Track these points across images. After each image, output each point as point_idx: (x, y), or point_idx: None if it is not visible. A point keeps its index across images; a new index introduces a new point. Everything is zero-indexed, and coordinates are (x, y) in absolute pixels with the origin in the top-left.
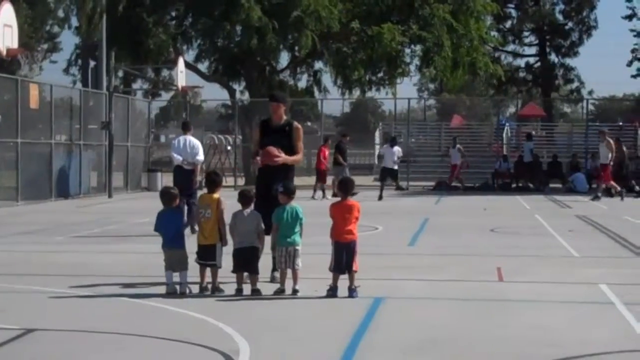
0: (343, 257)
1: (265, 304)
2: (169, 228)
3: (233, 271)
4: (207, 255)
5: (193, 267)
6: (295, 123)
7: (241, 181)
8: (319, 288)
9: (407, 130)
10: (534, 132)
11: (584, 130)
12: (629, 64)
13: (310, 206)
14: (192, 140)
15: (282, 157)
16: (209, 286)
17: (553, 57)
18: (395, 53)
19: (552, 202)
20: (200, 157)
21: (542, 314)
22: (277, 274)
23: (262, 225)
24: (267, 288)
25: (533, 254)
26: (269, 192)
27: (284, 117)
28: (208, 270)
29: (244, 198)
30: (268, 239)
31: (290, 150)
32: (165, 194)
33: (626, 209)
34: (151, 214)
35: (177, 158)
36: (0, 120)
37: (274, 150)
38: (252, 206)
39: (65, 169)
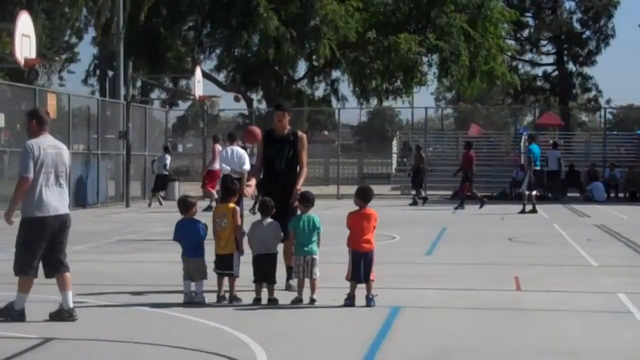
0: (361, 266)
1: (283, 313)
2: (189, 238)
3: (254, 281)
4: (225, 265)
5: (211, 277)
6: (300, 132)
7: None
8: (337, 297)
9: (425, 139)
10: (551, 141)
11: (602, 140)
12: None
13: (328, 215)
14: (238, 150)
15: (296, 191)
16: (227, 295)
17: (570, 66)
18: (412, 62)
19: (570, 211)
20: (247, 166)
21: (560, 323)
22: (293, 283)
23: (282, 235)
24: (283, 297)
25: (551, 263)
26: (278, 195)
27: (288, 127)
28: (225, 280)
29: (264, 208)
30: (280, 248)
31: (296, 160)
32: (183, 203)
33: None
34: (169, 223)
35: (226, 168)
36: (18, 130)
37: (256, 130)
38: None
39: (83, 178)
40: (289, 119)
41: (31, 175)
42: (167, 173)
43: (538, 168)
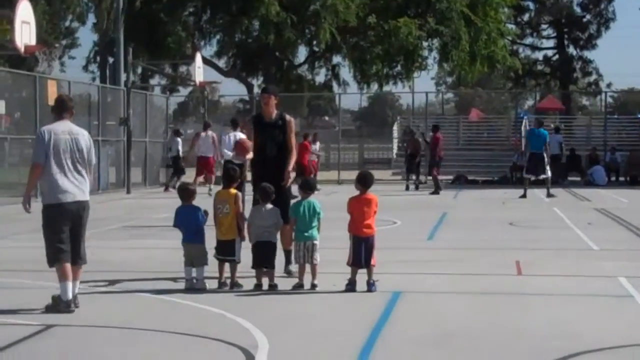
0: (362, 252)
1: (284, 299)
2: (189, 223)
3: (253, 267)
4: (226, 251)
5: (211, 263)
6: (288, 116)
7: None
8: (338, 282)
9: (425, 124)
10: (552, 125)
11: (603, 123)
12: None
13: (329, 200)
14: (240, 136)
15: (287, 173)
16: (228, 281)
17: (571, 50)
18: (413, 47)
19: (570, 195)
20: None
21: (561, 307)
22: (292, 268)
23: (282, 221)
24: (283, 283)
25: (552, 247)
26: (271, 179)
27: (275, 111)
28: (226, 266)
29: (263, 193)
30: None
31: (285, 144)
32: (184, 190)
33: None
34: (170, 209)
35: (227, 153)
36: (18, 117)
37: (247, 143)
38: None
39: None
40: (275, 103)
41: (41, 161)
42: (176, 155)
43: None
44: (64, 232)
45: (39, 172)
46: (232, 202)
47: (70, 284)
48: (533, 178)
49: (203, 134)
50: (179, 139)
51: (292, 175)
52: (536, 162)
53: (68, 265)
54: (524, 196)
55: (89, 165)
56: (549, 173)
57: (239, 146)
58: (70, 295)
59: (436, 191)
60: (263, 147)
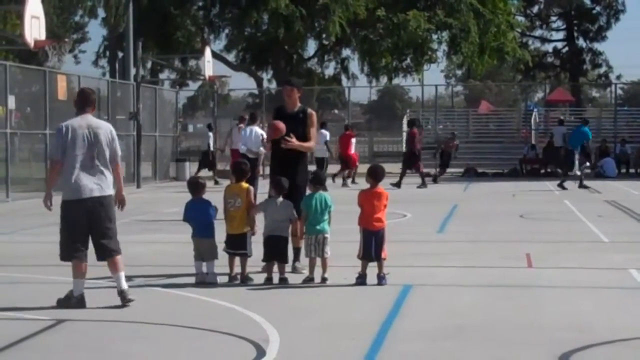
0: (372, 245)
1: (295, 293)
2: (199, 218)
3: (264, 260)
4: (237, 245)
5: (221, 257)
6: (310, 110)
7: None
8: (348, 276)
9: (435, 117)
10: (561, 117)
11: (613, 115)
12: None
13: (338, 194)
14: (257, 130)
15: (294, 142)
16: (238, 276)
17: (581, 42)
18: (422, 40)
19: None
20: (263, 147)
21: (572, 299)
22: (299, 265)
23: (295, 214)
24: (293, 277)
25: (562, 240)
26: (286, 172)
27: (298, 104)
28: (237, 260)
29: (278, 186)
30: None
31: (304, 138)
32: (194, 184)
33: None
34: (180, 203)
35: (242, 147)
36: (28, 112)
37: (281, 124)
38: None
39: None
40: (298, 96)
41: (58, 157)
42: (207, 150)
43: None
44: (80, 228)
45: (58, 168)
46: (244, 196)
47: (82, 281)
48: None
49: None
50: (210, 134)
51: (296, 144)
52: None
53: (81, 263)
54: (583, 187)
55: (113, 159)
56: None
57: (273, 126)
58: (80, 291)
59: (423, 184)
60: (280, 139)
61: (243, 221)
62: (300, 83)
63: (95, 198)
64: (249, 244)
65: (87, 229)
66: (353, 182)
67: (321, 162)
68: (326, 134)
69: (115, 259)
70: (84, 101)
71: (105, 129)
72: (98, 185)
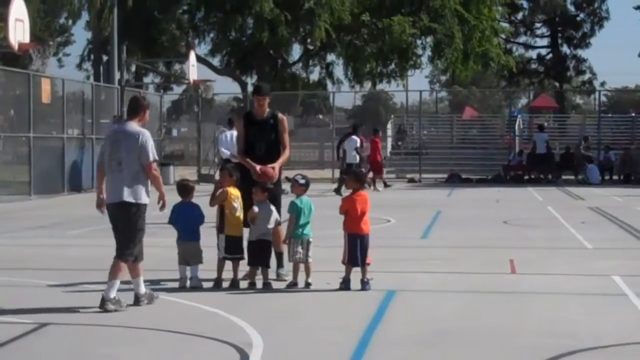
0: (357, 250)
1: (278, 297)
2: (186, 221)
3: (249, 264)
4: (234, 249)
5: (205, 261)
6: (280, 114)
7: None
8: (331, 281)
9: (419, 122)
10: (545, 124)
11: (597, 122)
12: None
13: (321, 199)
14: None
15: (276, 169)
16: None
17: (565, 49)
18: (406, 45)
19: (564, 193)
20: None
21: (555, 306)
22: (282, 272)
23: (278, 219)
24: (277, 282)
25: (546, 246)
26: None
27: (267, 109)
28: (227, 264)
29: (264, 190)
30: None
31: (277, 143)
32: (184, 187)
33: None
34: (166, 207)
35: (225, 152)
36: (12, 115)
37: (269, 170)
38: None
39: (77, 163)
40: (267, 102)
41: (100, 161)
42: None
43: None
44: (114, 229)
45: (99, 171)
46: (240, 201)
47: (136, 281)
48: None
49: None
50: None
51: (276, 172)
52: None
53: (114, 262)
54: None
55: (144, 164)
56: None
57: (263, 176)
58: (109, 294)
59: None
60: (252, 146)
61: (240, 224)
62: (269, 90)
63: (115, 203)
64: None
65: (116, 231)
66: (374, 188)
67: (350, 167)
68: (356, 139)
69: (136, 265)
70: (130, 109)
71: (137, 135)
72: (118, 190)
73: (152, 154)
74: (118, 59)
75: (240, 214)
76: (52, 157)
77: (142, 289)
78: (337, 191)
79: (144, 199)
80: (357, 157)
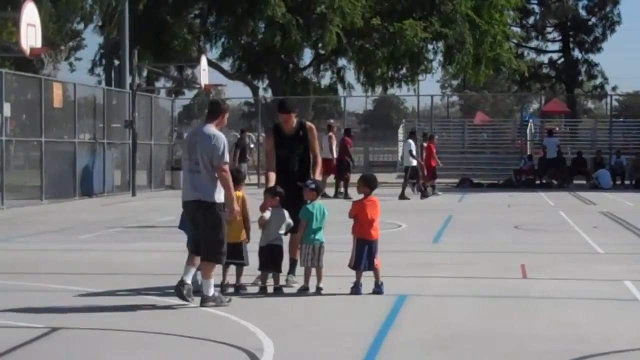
0: (364, 254)
1: (289, 302)
2: None
3: (260, 269)
4: (234, 254)
5: (217, 267)
6: (308, 123)
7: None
8: (342, 286)
9: (430, 127)
10: (557, 129)
11: (608, 127)
12: None
13: (331, 203)
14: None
15: (316, 180)
16: (228, 285)
17: (576, 53)
18: (418, 49)
19: (576, 198)
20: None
21: (566, 310)
22: (292, 278)
23: (290, 223)
24: (286, 288)
25: (557, 251)
26: (293, 194)
27: (295, 122)
28: (231, 269)
29: (277, 195)
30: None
31: (307, 154)
32: None
33: None
34: (175, 212)
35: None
36: (24, 119)
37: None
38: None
39: (89, 167)
40: (294, 116)
41: (182, 161)
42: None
43: None
44: (192, 226)
45: (183, 172)
46: (241, 204)
47: (189, 269)
48: None
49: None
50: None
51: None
52: None
53: (192, 255)
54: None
55: (214, 165)
56: None
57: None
58: (186, 279)
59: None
60: (285, 162)
61: (240, 230)
62: (294, 106)
63: (192, 202)
64: (245, 253)
65: (195, 228)
66: (434, 192)
67: (406, 172)
68: (411, 143)
69: (206, 262)
70: (209, 111)
71: (211, 137)
72: (195, 189)
73: (224, 156)
74: (130, 64)
75: (235, 219)
76: (63, 161)
77: (190, 279)
78: (401, 196)
79: (221, 198)
80: (414, 161)
